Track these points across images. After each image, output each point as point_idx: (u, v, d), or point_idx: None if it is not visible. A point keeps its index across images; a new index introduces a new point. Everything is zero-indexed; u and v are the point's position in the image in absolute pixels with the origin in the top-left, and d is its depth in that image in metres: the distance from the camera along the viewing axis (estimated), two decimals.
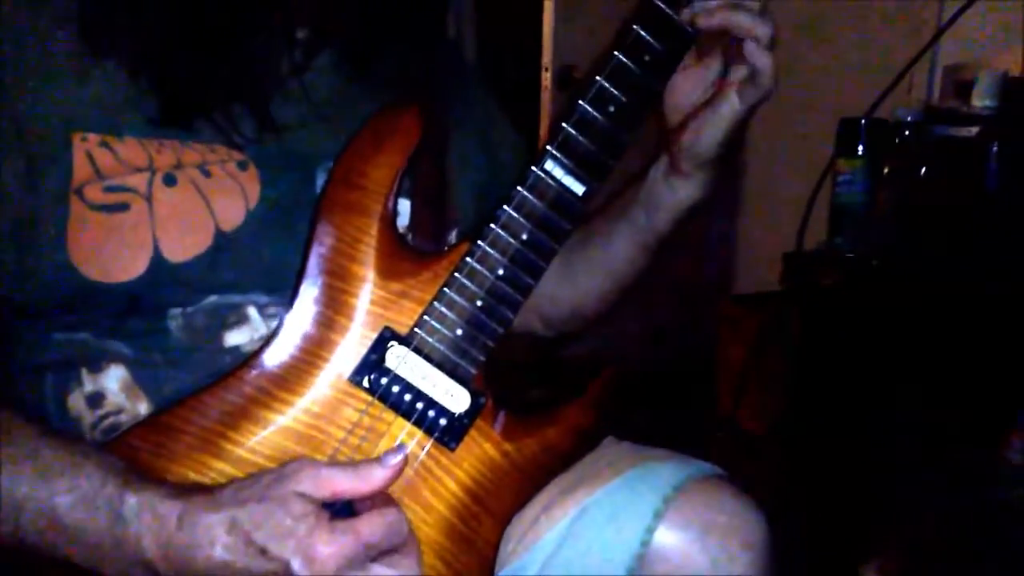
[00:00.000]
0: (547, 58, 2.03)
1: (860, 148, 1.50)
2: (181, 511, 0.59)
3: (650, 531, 0.74)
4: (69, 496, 0.60)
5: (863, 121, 1.49)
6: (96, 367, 0.69)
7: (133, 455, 0.64)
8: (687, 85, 0.78)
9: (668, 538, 0.74)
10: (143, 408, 0.69)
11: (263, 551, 0.59)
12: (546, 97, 2.05)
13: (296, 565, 0.58)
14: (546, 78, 2.04)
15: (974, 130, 1.38)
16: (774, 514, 0.78)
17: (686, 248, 0.92)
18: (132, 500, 0.60)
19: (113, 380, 0.69)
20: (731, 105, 0.75)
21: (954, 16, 1.49)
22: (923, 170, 1.40)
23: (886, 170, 1.46)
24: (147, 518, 0.59)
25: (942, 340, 1.29)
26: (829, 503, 1.45)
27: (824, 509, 1.45)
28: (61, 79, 0.67)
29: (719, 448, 1.70)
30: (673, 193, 0.81)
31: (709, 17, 0.72)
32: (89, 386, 0.69)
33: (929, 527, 1.32)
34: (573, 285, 0.90)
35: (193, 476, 0.65)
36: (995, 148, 1.31)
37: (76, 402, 0.69)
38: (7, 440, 0.62)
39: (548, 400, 0.75)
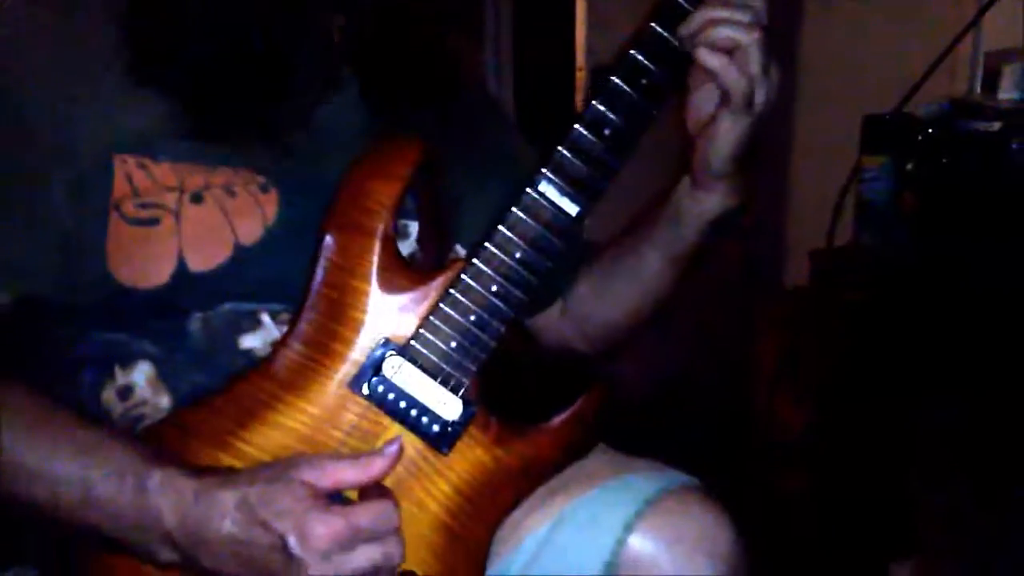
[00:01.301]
0: (581, 59, 2.03)
1: (884, 145, 1.50)
2: (198, 487, 0.66)
3: (621, 542, 0.77)
4: (101, 470, 0.67)
5: (886, 117, 1.49)
6: (127, 363, 0.76)
7: (158, 445, 0.71)
8: (703, 98, 0.78)
9: (638, 549, 0.78)
10: (164, 401, 0.75)
11: (264, 525, 0.65)
12: (581, 99, 2.06)
13: (291, 541, 0.64)
14: (580, 79, 2.05)
15: (998, 125, 1.37)
16: (808, 511, 0.80)
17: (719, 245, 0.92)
18: (156, 476, 0.67)
19: (141, 375, 0.76)
20: (727, 122, 0.76)
21: (986, 5, 1.46)
22: (944, 166, 1.39)
23: (909, 167, 1.45)
24: (168, 492, 0.66)
25: (969, 338, 1.29)
26: (861, 501, 1.46)
27: (856, 507, 1.46)
28: (106, 108, 0.73)
29: (753, 446, 1.72)
30: (697, 206, 0.82)
31: (692, 40, 0.72)
32: (120, 380, 0.76)
33: (963, 526, 1.32)
34: (607, 302, 0.93)
35: None
36: (1015, 144, 1.30)
37: (109, 394, 0.76)
38: (48, 422, 0.70)
39: (541, 407, 0.79)
